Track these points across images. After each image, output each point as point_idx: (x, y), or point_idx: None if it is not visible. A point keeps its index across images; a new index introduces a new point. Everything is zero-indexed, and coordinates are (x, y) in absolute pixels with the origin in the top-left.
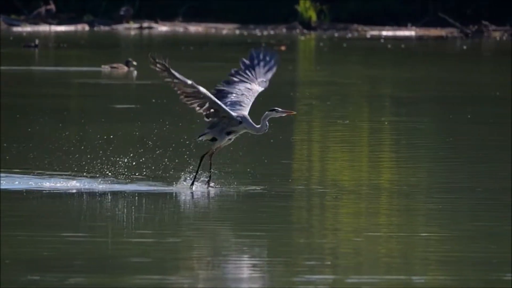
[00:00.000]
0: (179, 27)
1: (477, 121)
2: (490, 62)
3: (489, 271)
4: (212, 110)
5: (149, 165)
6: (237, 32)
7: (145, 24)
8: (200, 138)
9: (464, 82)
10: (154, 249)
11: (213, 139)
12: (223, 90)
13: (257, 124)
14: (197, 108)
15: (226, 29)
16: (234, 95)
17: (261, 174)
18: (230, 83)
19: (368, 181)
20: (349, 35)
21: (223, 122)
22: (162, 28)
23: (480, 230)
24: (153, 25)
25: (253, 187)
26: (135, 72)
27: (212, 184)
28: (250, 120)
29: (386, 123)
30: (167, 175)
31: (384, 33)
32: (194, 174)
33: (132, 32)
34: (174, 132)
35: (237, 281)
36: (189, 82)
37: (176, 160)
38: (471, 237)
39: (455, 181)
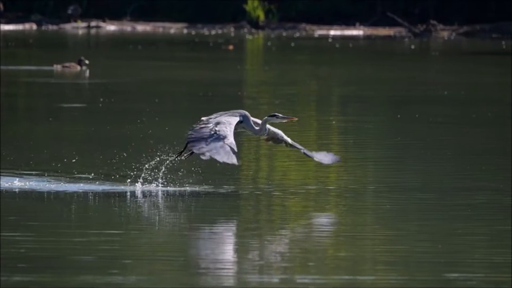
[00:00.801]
0: (127, 26)
1: (425, 120)
2: (438, 61)
3: (436, 271)
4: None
5: (97, 164)
6: (185, 31)
7: (93, 23)
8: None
9: (413, 81)
10: (97, 248)
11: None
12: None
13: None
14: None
15: (174, 28)
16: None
17: (208, 173)
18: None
19: (315, 181)
20: (297, 34)
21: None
22: (110, 27)
23: (427, 230)
24: (101, 24)
25: (200, 186)
26: (88, 71)
27: (182, 157)
28: (251, 121)
29: (334, 122)
30: (117, 174)
31: (332, 32)
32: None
33: (80, 31)
34: (125, 131)
35: (175, 280)
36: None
37: (126, 159)
38: (419, 237)
39: (403, 180)
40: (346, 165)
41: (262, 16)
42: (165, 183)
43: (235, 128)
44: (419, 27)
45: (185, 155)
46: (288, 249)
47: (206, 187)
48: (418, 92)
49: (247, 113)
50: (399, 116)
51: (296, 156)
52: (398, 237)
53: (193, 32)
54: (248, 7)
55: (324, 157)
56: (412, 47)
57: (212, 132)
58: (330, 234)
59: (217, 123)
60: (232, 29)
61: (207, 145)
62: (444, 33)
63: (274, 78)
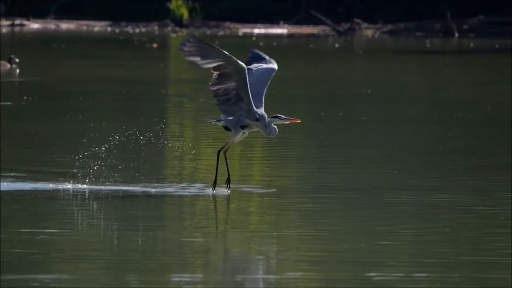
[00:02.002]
0: (51, 25)
1: (349, 119)
2: (362, 60)
3: (359, 270)
4: (237, 94)
5: (27, 161)
6: (109, 29)
7: (17, 22)
8: (212, 121)
9: (336, 79)
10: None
11: (226, 128)
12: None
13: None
14: (221, 89)
15: (98, 26)
16: (253, 84)
17: (138, 173)
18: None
19: (239, 179)
20: (221, 32)
21: (240, 114)
22: (34, 25)
23: (351, 229)
24: (25, 22)
25: (127, 186)
26: (18, 70)
27: (228, 187)
28: (266, 121)
29: None
30: (48, 172)
31: (256, 30)
32: (215, 174)
33: (4, 30)
34: (46, 129)
35: (107, 277)
36: (232, 58)
37: (58, 157)
38: (342, 236)
39: (326, 179)
40: (270, 163)
41: (186, 15)
42: (94, 181)
43: (250, 127)
44: (343, 25)
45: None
46: (212, 248)
47: (130, 185)
48: (342, 90)
49: (265, 115)
50: (322, 114)
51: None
52: (322, 235)
53: (117, 31)
54: (172, 5)
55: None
56: (336, 45)
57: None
58: (254, 233)
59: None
60: (156, 28)
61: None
62: (368, 32)
63: (198, 77)
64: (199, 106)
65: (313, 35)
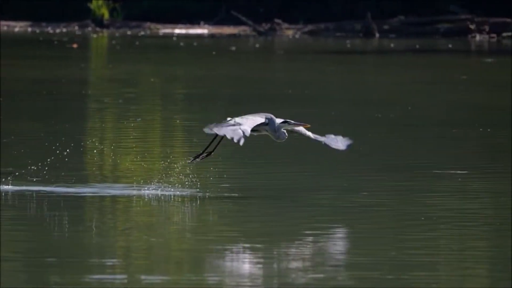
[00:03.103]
0: None
1: None
2: (282, 60)
3: (277, 272)
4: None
5: None
6: (29, 30)
7: None
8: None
9: (257, 79)
10: None
11: None
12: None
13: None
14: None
15: (18, 27)
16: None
17: (58, 173)
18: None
19: (159, 179)
20: (142, 33)
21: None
22: None
23: (267, 231)
24: None
25: (47, 186)
26: None
27: (197, 160)
28: (275, 126)
29: (178, 121)
30: None
31: (177, 31)
32: (204, 148)
33: None
34: None
35: (25, 276)
36: (240, 132)
37: None
38: (257, 237)
39: (244, 180)
40: (191, 165)
41: (106, 15)
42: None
43: (259, 130)
44: (263, 26)
45: (203, 155)
46: (131, 248)
47: (46, 187)
48: (262, 90)
49: (274, 117)
50: (243, 114)
51: (140, 154)
52: (240, 236)
53: (38, 31)
54: (93, 5)
55: (335, 143)
56: (257, 46)
57: (231, 122)
58: (172, 234)
59: (240, 118)
60: (76, 28)
61: (221, 127)
62: (288, 32)
63: (118, 77)
64: (119, 106)
65: (234, 35)
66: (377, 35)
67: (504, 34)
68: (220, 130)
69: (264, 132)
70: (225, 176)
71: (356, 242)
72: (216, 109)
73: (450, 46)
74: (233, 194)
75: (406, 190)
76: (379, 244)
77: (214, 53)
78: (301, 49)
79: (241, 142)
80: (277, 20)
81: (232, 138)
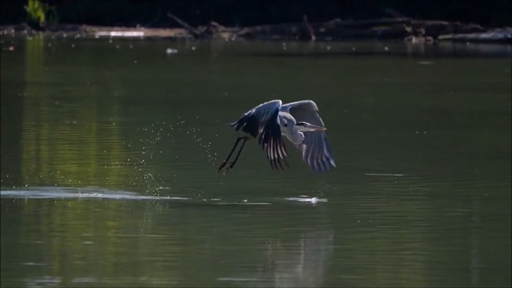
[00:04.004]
0: None
1: (206, 122)
2: (218, 63)
3: (213, 274)
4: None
5: None
6: None
7: None
8: (235, 126)
9: (194, 82)
10: None
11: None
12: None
13: None
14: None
15: None
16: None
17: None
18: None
19: (96, 182)
20: (78, 35)
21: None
22: None
23: (208, 232)
24: None
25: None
26: None
27: (227, 169)
28: (295, 127)
29: (113, 124)
30: None
31: (113, 33)
32: (228, 156)
33: None
34: None
35: None
36: (283, 150)
37: None
38: (199, 239)
39: (182, 183)
40: (127, 166)
41: (42, 18)
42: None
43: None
44: (200, 28)
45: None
46: (68, 251)
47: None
48: (198, 93)
49: (293, 119)
50: (179, 117)
51: (76, 156)
52: (178, 238)
53: None
54: (29, 8)
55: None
56: (193, 48)
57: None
58: (111, 235)
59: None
60: (12, 31)
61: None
62: (225, 35)
63: (55, 79)
64: (55, 108)
65: (170, 38)
66: (314, 37)
67: (441, 37)
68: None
69: (282, 133)
70: (161, 179)
71: (291, 245)
72: (152, 112)
73: (386, 48)
74: (168, 197)
75: (341, 193)
76: (315, 246)
77: (150, 55)
78: (238, 51)
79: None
80: (213, 23)
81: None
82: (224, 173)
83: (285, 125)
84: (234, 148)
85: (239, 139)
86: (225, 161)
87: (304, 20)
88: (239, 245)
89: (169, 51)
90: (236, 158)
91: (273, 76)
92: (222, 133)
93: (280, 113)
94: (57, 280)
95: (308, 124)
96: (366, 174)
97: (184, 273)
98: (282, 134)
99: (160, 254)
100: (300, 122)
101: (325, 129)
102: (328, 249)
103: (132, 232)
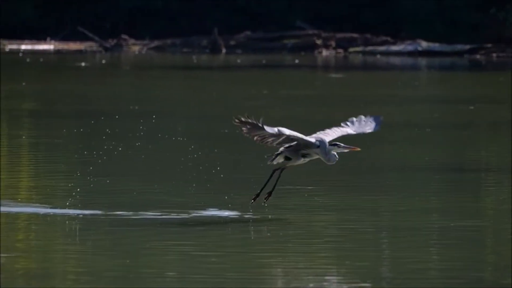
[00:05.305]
0: None
1: (116, 135)
2: (129, 76)
3: (123, 285)
4: (290, 142)
5: None
6: None
7: None
8: (273, 162)
9: (103, 95)
10: None
11: (287, 158)
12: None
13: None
14: (270, 143)
15: None
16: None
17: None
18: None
19: (6, 196)
20: None
21: (298, 144)
22: None
23: (123, 243)
24: None
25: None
26: None
27: (268, 199)
28: (326, 149)
29: (24, 137)
30: None
31: (23, 46)
32: (261, 187)
33: None
34: None
35: None
36: (276, 131)
37: None
38: (112, 252)
39: (93, 195)
40: (37, 180)
41: None
42: None
43: (310, 154)
44: (110, 41)
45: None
46: None
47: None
48: (109, 106)
49: (326, 140)
50: (89, 131)
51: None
52: (90, 250)
53: None
54: None
55: (365, 127)
56: (103, 61)
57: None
58: (25, 247)
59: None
60: None
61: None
62: (135, 48)
63: None
64: None
65: (80, 51)
66: (224, 50)
67: (351, 49)
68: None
69: (316, 156)
70: (71, 191)
71: (195, 259)
72: (62, 125)
73: (297, 61)
74: (78, 210)
75: (252, 206)
76: (228, 264)
77: (60, 69)
78: (147, 64)
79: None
80: (123, 36)
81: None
82: (263, 203)
83: (318, 146)
84: (269, 180)
85: (274, 171)
86: (259, 191)
87: (214, 33)
88: (146, 256)
89: (83, 63)
90: (274, 187)
91: (183, 89)
92: (133, 145)
93: (310, 137)
94: None
95: (342, 144)
96: (278, 187)
97: (97, 283)
98: (315, 156)
99: (70, 264)
100: (333, 143)
101: (359, 149)
102: (240, 264)
103: (42, 245)
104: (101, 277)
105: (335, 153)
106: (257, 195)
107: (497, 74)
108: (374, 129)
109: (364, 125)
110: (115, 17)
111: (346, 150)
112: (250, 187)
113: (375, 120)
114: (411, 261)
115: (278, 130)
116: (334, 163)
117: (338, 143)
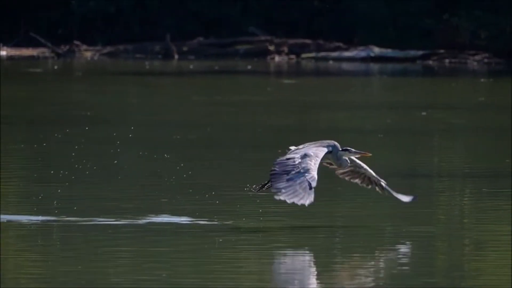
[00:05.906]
0: None
1: (69, 140)
2: (81, 82)
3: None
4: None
5: None
6: None
7: None
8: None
9: (56, 101)
10: None
11: None
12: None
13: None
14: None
15: None
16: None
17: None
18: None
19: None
20: None
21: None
22: None
23: (72, 248)
24: None
25: None
26: None
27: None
28: (338, 154)
29: None
30: None
31: None
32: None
33: None
34: None
35: None
36: (312, 191)
37: None
38: (63, 261)
39: (47, 201)
40: (27, 186)
41: None
42: None
43: (323, 159)
44: (62, 47)
45: (266, 186)
46: None
47: None
48: (61, 112)
49: (337, 144)
50: (41, 136)
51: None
52: (41, 257)
53: None
54: None
55: (403, 197)
56: (56, 67)
57: (296, 167)
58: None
59: (304, 155)
60: None
61: (287, 180)
62: (87, 54)
63: None
64: None
65: (32, 57)
66: (177, 56)
67: (304, 55)
68: (286, 191)
69: (327, 161)
70: (25, 197)
71: (147, 265)
72: (14, 132)
73: (249, 67)
74: (31, 217)
75: (207, 211)
76: (180, 269)
77: (12, 75)
78: (100, 70)
79: (308, 202)
80: (76, 42)
81: (296, 203)
82: (253, 190)
83: (330, 152)
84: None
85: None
86: (265, 182)
87: (167, 39)
88: (97, 262)
89: (37, 69)
90: (269, 181)
91: (136, 95)
92: (87, 151)
93: (321, 143)
94: None
95: (353, 149)
96: (234, 193)
97: None
98: (327, 161)
99: (19, 271)
100: (344, 148)
101: (370, 154)
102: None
103: None
104: (53, 283)
105: (347, 158)
106: (263, 186)
107: (449, 80)
108: (407, 200)
109: (401, 195)
110: (68, 23)
111: (357, 155)
112: (201, 193)
113: (412, 198)
114: (362, 267)
115: (302, 168)
116: (345, 168)
117: (349, 148)
